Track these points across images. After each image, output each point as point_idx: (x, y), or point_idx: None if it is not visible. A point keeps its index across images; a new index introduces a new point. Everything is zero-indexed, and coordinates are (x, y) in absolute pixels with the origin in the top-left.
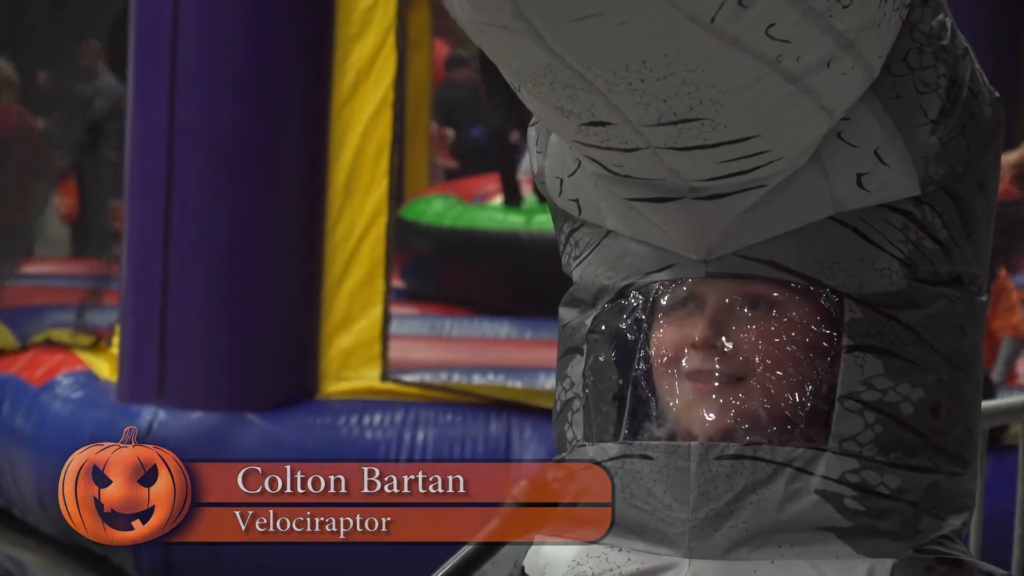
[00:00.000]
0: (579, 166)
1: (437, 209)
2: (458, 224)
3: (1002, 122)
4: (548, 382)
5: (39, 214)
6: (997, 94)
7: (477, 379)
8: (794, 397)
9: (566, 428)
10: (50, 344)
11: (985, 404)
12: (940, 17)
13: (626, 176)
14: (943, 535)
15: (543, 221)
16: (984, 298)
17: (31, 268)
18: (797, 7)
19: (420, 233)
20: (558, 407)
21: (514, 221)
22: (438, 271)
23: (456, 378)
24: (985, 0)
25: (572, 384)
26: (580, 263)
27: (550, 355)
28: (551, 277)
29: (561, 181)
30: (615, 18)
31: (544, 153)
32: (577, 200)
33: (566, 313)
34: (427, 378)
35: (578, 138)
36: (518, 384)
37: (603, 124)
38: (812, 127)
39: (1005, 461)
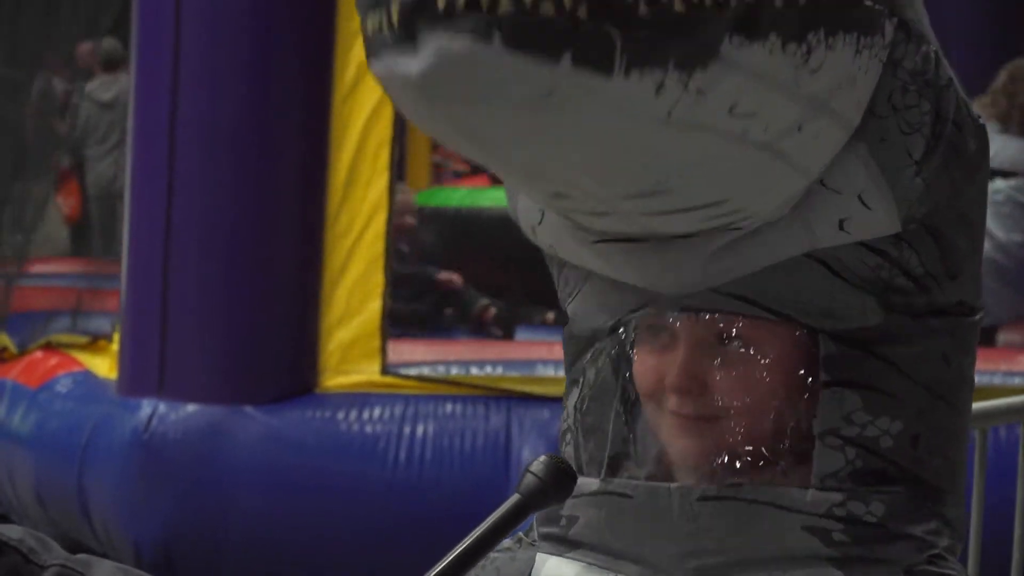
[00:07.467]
0: (543, 215)
1: (454, 196)
2: (464, 204)
3: (986, 152)
4: (546, 371)
5: (39, 214)
6: (982, 121)
7: (475, 371)
8: (773, 434)
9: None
10: (48, 347)
11: (985, 404)
12: (924, 49)
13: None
14: (934, 554)
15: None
16: (977, 317)
17: (35, 268)
18: (761, 83)
19: (425, 217)
20: (560, 436)
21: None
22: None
23: (455, 371)
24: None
25: (567, 415)
26: (572, 300)
27: (547, 349)
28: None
29: (533, 228)
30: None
31: (516, 195)
32: (552, 245)
33: (567, 346)
34: (425, 371)
35: (546, 204)
36: (515, 374)
37: (566, 196)
38: (787, 186)
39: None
